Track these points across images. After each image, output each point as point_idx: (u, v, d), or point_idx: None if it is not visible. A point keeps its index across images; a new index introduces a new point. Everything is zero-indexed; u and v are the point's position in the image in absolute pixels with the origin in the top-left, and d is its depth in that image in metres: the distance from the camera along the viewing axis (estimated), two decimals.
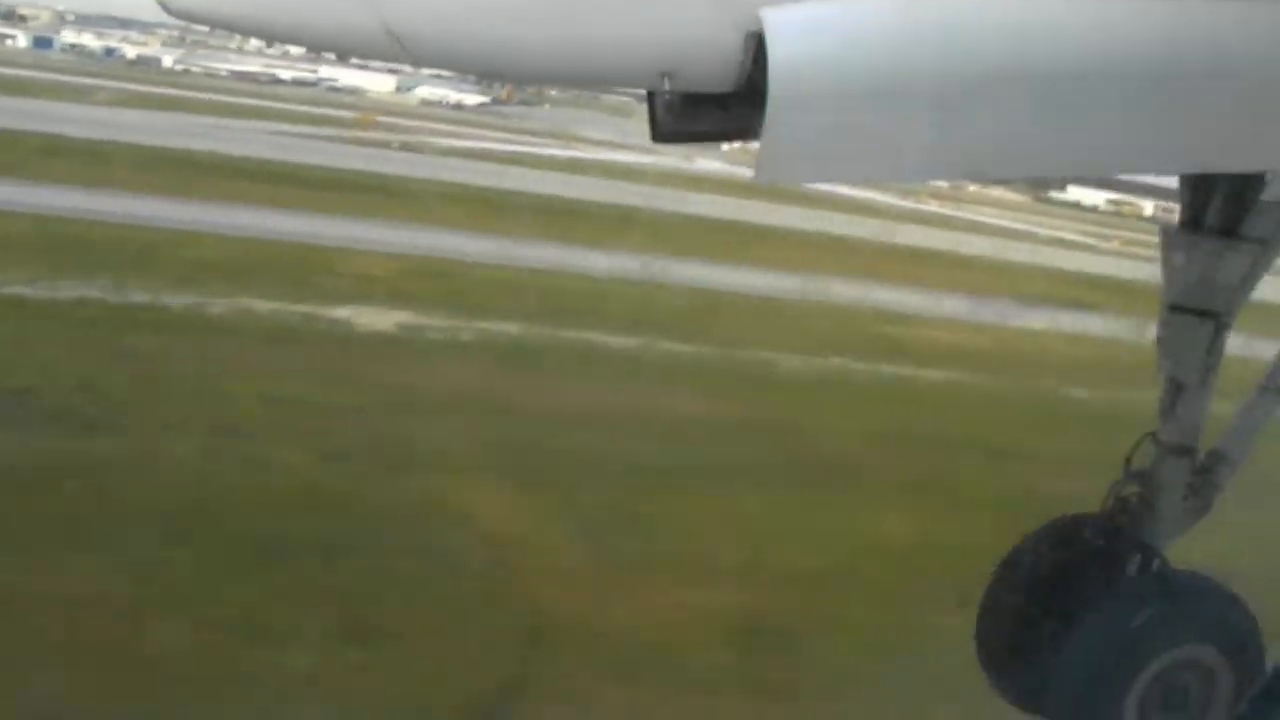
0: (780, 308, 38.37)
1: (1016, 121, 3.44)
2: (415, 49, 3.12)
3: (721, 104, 3.53)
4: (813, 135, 3.35)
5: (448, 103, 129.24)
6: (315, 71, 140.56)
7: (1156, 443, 5.79)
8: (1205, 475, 5.72)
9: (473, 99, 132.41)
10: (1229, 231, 5.30)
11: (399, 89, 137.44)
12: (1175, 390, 5.72)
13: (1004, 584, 6.14)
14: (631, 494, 19.58)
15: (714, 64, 3.32)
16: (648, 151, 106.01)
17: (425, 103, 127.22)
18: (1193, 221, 5.50)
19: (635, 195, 66.53)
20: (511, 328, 30.65)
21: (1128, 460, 5.90)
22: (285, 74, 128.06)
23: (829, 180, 4.02)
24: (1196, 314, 5.49)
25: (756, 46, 3.24)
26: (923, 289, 46.14)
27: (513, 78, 3.82)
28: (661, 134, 3.88)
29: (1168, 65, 3.44)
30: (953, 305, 44.12)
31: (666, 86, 3.38)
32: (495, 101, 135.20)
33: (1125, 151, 3.64)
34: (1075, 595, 5.66)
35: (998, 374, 34.87)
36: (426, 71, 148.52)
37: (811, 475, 22.14)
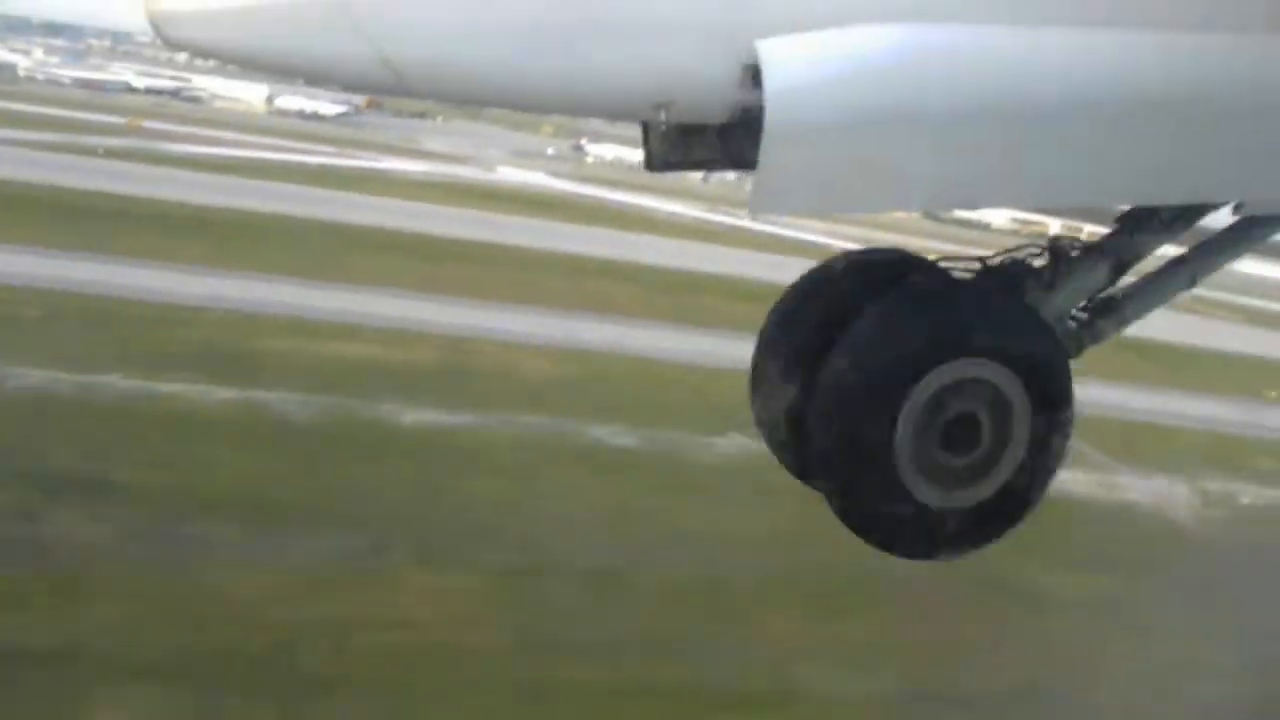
0: None
1: (1010, 151, 3.38)
2: (410, 80, 3.04)
3: (716, 133, 3.45)
4: (808, 166, 3.27)
5: (305, 112, 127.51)
6: (189, 80, 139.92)
7: (1088, 246, 4.84)
8: (1098, 311, 4.81)
9: (332, 109, 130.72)
10: None
11: (270, 98, 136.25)
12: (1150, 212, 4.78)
13: (784, 323, 4.93)
14: None
15: (710, 96, 3.22)
16: (458, 162, 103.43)
17: (276, 111, 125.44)
18: None
19: (300, 201, 61.44)
20: None
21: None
22: (140, 83, 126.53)
23: (824, 212, 3.75)
24: None
25: (752, 78, 3.14)
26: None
27: (509, 107, 3.68)
28: (655, 163, 3.75)
29: (1162, 98, 3.43)
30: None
31: (662, 118, 3.25)
32: (355, 111, 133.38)
33: (1121, 182, 3.62)
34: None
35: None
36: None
37: None
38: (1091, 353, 4.84)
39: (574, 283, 51.60)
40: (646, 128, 3.76)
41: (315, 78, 3.33)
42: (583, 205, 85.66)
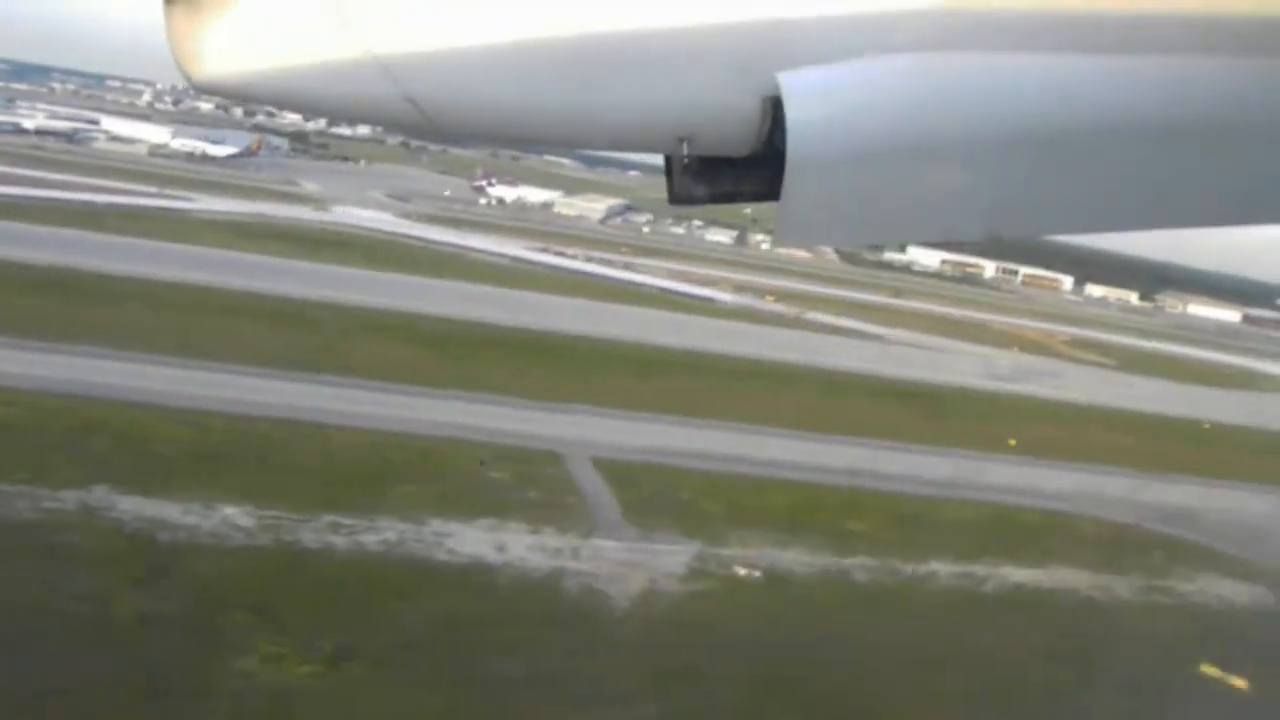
0: None
1: (1032, 180, 3.41)
2: (436, 119, 3.05)
3: (738, 166, 3.39)
4: (831, 198, 3.26)
5: (194, 154, 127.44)
6: (97, 123, 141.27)
7: None
8: None
9: (223, 150, 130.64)
10: None
11: (174, 137, 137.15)
12: None
13: None
14: None
15: (732, 129, 3.21)
16: (296, 203, 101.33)
17: (161, 153, 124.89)
18: None
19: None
20: None
21: None
22: (31, 124, 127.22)
23: (848, 243, 2.95)
24: None
25: (774, 110, 3.13)
26: None
27: (533, 144, 3.86)
28: (678, 197, 3.60)
29: (1177, 122, 3.38)
30: None
31: (685, 152, 3.27)
32: (245, 153, 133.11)
33: (1140, 207, 3.65)
34: None
35: None
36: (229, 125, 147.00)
37: None
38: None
39: (163, 317, 49.03)
40: (669, 162, 3.53)
41: (348, 118, 3.33)
42: (364, 243, 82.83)
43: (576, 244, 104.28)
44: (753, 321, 78.84)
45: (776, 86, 3.08)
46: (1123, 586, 37.73)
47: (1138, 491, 50.15)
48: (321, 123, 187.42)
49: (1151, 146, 3.42)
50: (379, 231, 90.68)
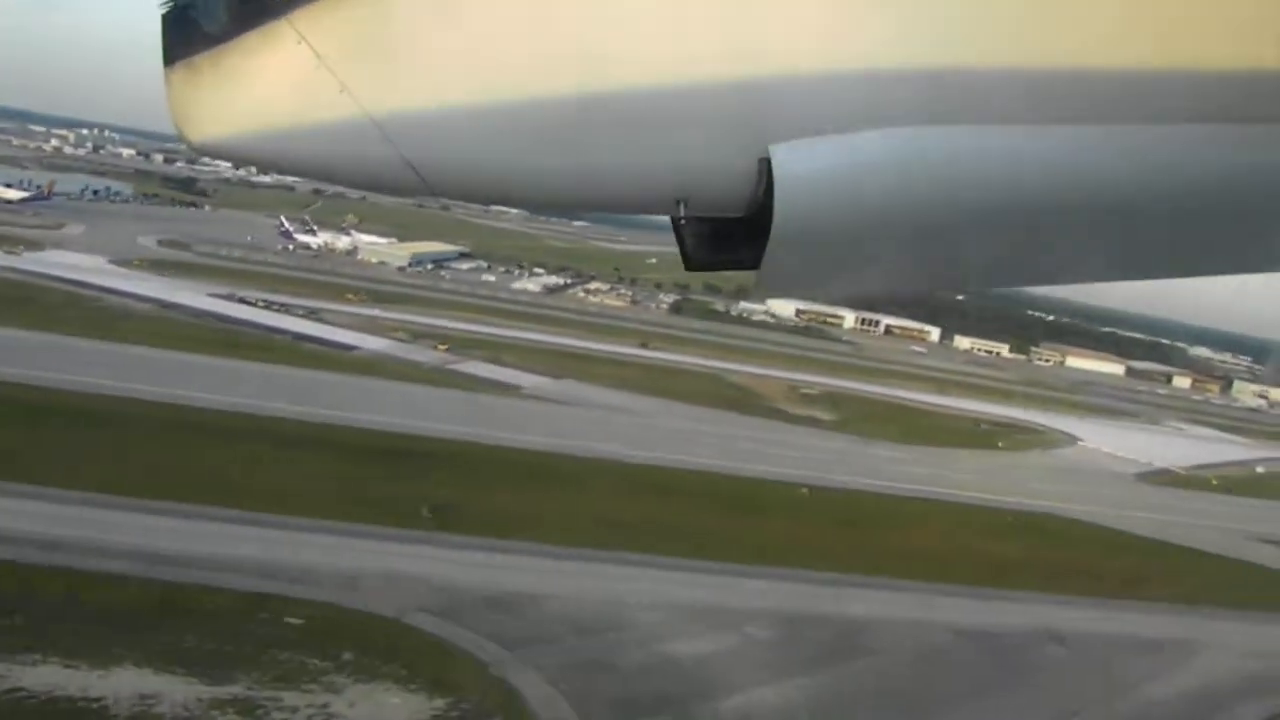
0: None
1: (1001, 244, 3.63)
2: (433, 181, 3.11)
3: (746, 234, 3.46)
4: (810, 261, 3.45)
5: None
6: None
7: None
8: None
9: (15, 194, 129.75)
10: None
11: None
12: None
13: None
14: None
15: (728, 190, 3.31)
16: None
17: None
18: None
19: None
20: None
21: None
22: None
23: (821, 299, 3.91)
24: None
25: (768, 172, 3.26)
26: None
27: (531, 206, 3.89)
28: (692, 264, 3.71)
29: (1166, 189, 3.53)
30: None
31: (682, 212, 3.39)
32: (37, 196, 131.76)
33: (1120, 264, 3.89)
34: None
35: None
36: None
37: None
38: None
39: None
40: (679, 230, 3.61)
41: (346, 182, 3.30)
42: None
43: (306, 291, 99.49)
44: (361, 373, 72.57)
45: (767, 152, 3.14)
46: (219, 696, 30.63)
47: (511, 578, 42.55)
48: (225, 170, 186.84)
49: (1135, 212, 3.47)
50: (39, 279, 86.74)
